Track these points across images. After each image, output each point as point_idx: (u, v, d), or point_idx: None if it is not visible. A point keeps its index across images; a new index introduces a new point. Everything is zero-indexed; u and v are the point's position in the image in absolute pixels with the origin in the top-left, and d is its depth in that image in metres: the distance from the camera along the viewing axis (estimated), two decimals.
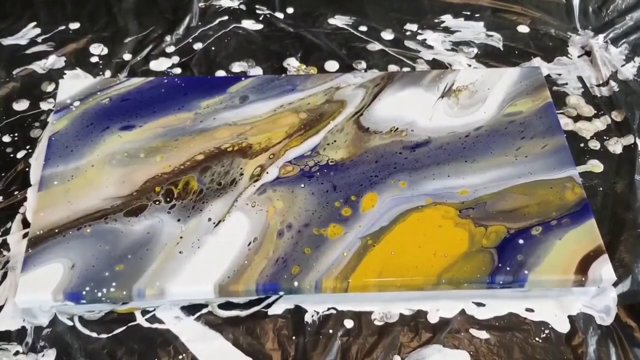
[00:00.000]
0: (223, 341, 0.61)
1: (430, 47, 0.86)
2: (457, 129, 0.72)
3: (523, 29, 0.89)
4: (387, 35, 0.88)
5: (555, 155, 0.69)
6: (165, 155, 0.69)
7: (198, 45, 0.86)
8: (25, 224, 0.67)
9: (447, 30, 0.89)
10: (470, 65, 0.84)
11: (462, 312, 0.62)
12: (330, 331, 0.61)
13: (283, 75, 0.80)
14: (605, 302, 0.63)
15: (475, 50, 0.86)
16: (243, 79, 0.77)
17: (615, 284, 0.63)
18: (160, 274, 0.60)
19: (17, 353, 0.59)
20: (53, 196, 0.65)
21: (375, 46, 0.86)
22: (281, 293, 0.61)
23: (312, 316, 0.62)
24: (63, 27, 0.88)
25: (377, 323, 0.62)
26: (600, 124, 0.78)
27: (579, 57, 0.86)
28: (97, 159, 0.69)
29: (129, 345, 0.60)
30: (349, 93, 0.75)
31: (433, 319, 0.62)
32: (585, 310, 0.63)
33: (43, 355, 0.59)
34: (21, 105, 0.79)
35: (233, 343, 0.60)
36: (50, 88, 0.80)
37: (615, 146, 0.75)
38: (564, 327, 0.62)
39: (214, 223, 0.64)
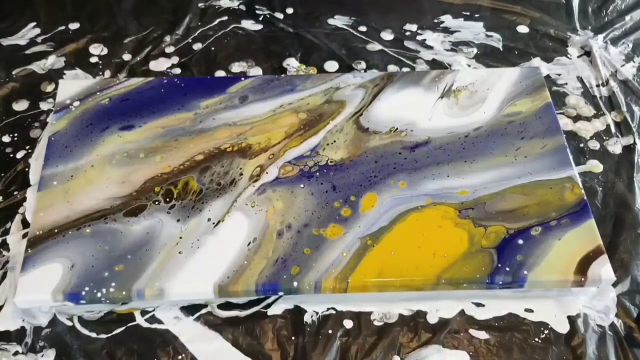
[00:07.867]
0: (222, 341, 0.61)
1: (430, 47, 0.86)
2: (456, 129, 0.72)
3: (522, 29, 0.89)
4: (387, 35, 0.88)
5: (555, 156, 0.69)
6: (165, 155, 0.69)
7: (198, 46, 0.86)
8: (25, 224, 0.67)
9: (447, 31, 0.89)
10: (469, 66, 0.84)
11: (462, 312, 0.62)
12: (330, 331, 0.61)
13: (283, 75, 0.80)
14: (604, 303, 0.63)
15: (475, 50, 0.86)
16: (243, 79, 0.77)
17: (614, 284, 0.63)
18: (160, 274, 0.60)
19: (16, 353, 0.59)
20: (52, 196, 0.65)
21: (374, 46, 0.86)
22: (280, 293, 0.61)
23: (312, 316, 0.62)
24: (63, 27, 0.88)
25: (376, 323, 0.62)
26: (599, 124, 0.78)
27: (578, 57, 0.86)
28: (96, 159, 0.68)
29: (128, 345, 0.60)
30: (349, 93, 0.75)
31: (432, 319, 0.62)
32: (585, 310, 0.63)
33: (42, 356, 0.59)
34: (21, 106, 0.79)
35: (232, 343, 0.60)
36: (49, 88, 0.80)
37: (615, 146, 0.75)
38: (563, 327, 0.62)
39: (214, 223, 0.64)
